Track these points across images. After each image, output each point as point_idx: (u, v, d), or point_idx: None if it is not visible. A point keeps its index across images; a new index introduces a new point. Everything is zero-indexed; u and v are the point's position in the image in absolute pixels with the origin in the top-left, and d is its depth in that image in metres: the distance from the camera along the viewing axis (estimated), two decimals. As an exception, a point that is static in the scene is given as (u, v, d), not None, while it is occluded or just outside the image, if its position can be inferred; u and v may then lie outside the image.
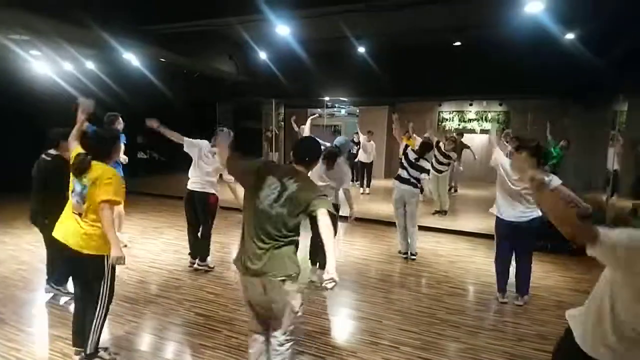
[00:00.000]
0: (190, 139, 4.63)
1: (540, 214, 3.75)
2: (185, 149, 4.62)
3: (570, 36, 5.90)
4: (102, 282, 2.76)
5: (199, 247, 4.79)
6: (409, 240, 5.35)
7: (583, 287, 4.57)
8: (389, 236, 6.36)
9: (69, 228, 2.72)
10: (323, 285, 2.18)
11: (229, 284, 4.45)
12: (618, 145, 8.38)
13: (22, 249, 5.36)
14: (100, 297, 2.76)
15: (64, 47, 6.45)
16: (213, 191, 4.61)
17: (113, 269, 2.80)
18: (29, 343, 3.19)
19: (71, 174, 2.73)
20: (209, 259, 4.83)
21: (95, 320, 2.76)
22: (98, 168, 2.67)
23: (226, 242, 5.99)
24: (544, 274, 4.93)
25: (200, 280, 4.54)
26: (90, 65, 7.96)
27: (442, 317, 3.77)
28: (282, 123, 11.97)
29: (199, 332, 3.41)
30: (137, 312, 3.74)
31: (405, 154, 5.28)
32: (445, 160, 7.69)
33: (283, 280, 2.28)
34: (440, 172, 7.74)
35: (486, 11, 5.55)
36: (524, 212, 3.81)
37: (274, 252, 2.29)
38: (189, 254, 4.85)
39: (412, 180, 5.17)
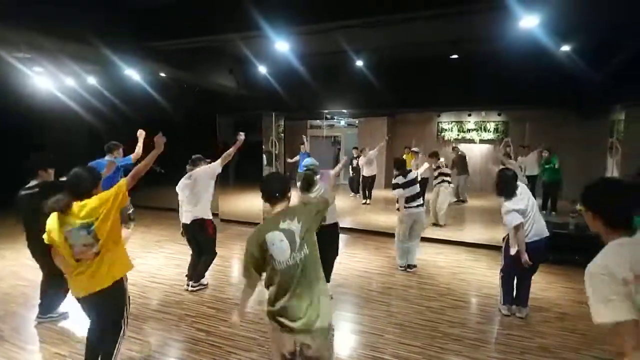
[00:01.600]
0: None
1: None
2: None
3: (565, 48, 5.97)
4: (124, 309, 2.73)
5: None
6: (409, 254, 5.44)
7: (585, 298, 4.54)
8: (390, 248, 6.34)
9: (82, 284, 2.53)
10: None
11: (229, 298, 4.44)
12: (617, 154, 8.41)
13: (23, 264, 5.36)
14: (122, 326, 2.73)
15: (66, 63, 6.53)
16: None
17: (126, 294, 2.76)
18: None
19: (55, 221, 2.45)
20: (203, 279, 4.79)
21: (115, 349, 2.72)
22: (91, 201, 2.50)
23: (227, 255, 5.99)
24: (546, 285, 4.91)
25: (201, 295, 4.53)
26: (92, 80, 8.04)
27: (444, 331, 3.76)
28: (282, 135, 12.02)
29: (199, 347, 3.40)
30: (137, 327, 3.73)
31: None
32: (440, 177, 7.80)
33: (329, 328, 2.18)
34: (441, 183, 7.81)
35: (481, 25, 5.62)
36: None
37: (315, 300, 2.15)
38: (186, 275, 4.80)
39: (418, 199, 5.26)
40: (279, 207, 2.26)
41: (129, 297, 2.79)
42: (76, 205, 2.47)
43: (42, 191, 3.37)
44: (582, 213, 1.71)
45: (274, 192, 2.27)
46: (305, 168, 4.43)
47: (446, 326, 3.85)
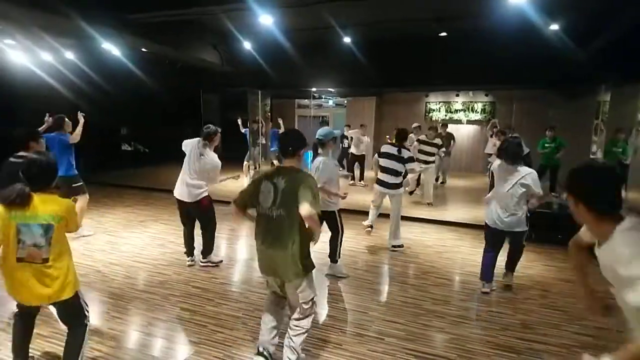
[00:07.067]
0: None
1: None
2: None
3: (554, 27, 5.93)
4: (83, 314, 2.51)
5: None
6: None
7: (567, 276, 4.65)
8: (376, 227, 6.36)
9: (34, 289, 2.25)
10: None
11: (215, 278, 4.42)
12: (601, 135, 8.53)
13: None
14: (87, 325, 2.55)
15: (41, 36, 6.24)
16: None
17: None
18: (9, 342, 3.12)
19: (8, 215, 2.16)
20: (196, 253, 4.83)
21: (83, 344, 2.52)
22: (56, 201, 2.30)
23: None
24: (528, 263, 4.99)
25: (186, 274, 4.49)
26: (70, 55, 7.73)
27: (428, 308, 3.81)
28: (269, 114, 11.86)
29: (184, 327, 3.38)
30: (121, 308, 3.69)
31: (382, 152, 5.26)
32: (430, 150, 7.72)
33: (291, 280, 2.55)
34: (426, 162, 7.76)
35: (471, 2, 5.53)
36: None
37: (281, 255, 2.50)
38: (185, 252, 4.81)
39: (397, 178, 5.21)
40: (286, 163, 2.64)
41: (85, 302, 2.56)
42: (37, 199, 2.22)
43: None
44: (569, 202, 1.58)
45: (287, 147, 2.63)
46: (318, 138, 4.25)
47: (430, 303, 3.90)
